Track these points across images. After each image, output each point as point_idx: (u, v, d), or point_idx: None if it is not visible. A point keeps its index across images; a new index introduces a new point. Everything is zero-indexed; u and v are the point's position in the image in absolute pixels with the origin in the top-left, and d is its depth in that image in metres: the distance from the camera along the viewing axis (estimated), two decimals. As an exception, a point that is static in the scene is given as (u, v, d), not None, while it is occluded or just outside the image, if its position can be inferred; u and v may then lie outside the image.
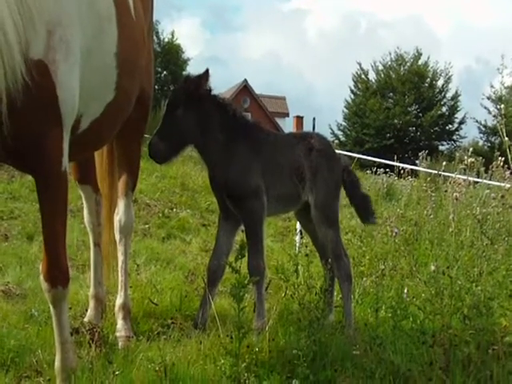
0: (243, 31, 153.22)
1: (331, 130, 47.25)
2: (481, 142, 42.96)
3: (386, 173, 16.20)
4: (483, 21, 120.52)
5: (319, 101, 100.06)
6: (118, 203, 4.96)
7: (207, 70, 4.68)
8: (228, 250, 4.88)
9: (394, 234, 7.33)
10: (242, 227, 4.87)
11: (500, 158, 8.48)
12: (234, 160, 4.75)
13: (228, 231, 4.91)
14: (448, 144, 45.90)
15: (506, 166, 8.90)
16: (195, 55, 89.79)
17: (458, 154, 11.51)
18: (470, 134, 52.76)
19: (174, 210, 11.32)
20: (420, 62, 46.28)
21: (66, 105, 3.37)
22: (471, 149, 9.56)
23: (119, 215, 4.94)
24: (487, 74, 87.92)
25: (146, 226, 9.72)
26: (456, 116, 45.88)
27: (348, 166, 5.36)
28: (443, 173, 10.17)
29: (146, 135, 5.28)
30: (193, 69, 45.83)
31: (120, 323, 4.78)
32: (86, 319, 4.94)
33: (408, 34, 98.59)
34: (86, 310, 5.08)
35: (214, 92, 4.83)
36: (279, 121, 51.08)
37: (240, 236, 5.00)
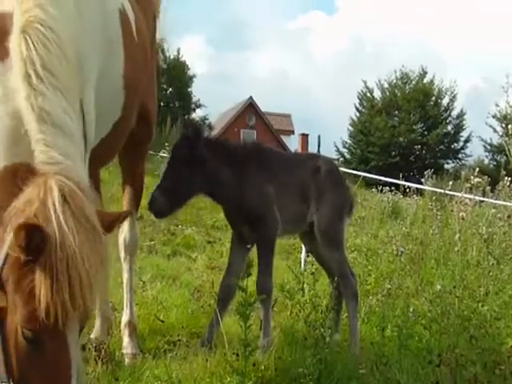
0: (250, 49, 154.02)
1: (336, 147, 47.31)
2: (486, 161, 42.91)
3: (391, 191, 16.18)
4: (491, 40, 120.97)
5: (325, 119, 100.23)
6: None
7: (196, 124, 4.74)
8: (240, 270, 4.83)
9: (399, 252, 7.32)
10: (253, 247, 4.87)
11: (506, 178, 8.49)
12: (247, 187, 4.76)
13: (241, 251, 4.87)
14: (453, 162, 45.87)
15: (513, 185, 8.92)
16: (202, 72, 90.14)
17: (463, 173, 11.52)
18: (476, 152, 52.62)
19: (180, 226, 11.33)
20: (425, 81, 46.41)
21: (89, 125, 3.39)
22: (477, 169, 9.57)
23: (124, 234, 4.95)
24: (494, 93, 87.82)
25: (152, 242, 9.73)
26: (461, 134, 45.90)
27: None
28: (449, 192, 10.18)
29: (151, 152, 5.31)
30: (199, 85, 45.96)
31: (126, 340, 4.79)
32: (92, 336, 4.94)
33: (415, 54, 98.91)
34: (93, 327, 5.09)
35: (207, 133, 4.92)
36: (284, 138, 51.12)
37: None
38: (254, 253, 4.82)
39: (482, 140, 43.54)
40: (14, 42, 2.62)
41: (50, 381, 2.36)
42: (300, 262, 8.39)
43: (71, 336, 2.39)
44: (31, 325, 2.29)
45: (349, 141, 47.54)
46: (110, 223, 2.64)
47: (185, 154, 4.65)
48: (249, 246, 4.80)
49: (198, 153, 4.65)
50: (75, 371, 2.40)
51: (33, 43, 2.61)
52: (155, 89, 5.29)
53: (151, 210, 4.66)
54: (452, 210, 8.81)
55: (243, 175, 4.76)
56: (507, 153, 6.09)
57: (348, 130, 47.92)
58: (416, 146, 43.95)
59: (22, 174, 2.48)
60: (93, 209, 2.52)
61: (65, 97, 2.63)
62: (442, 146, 44.81)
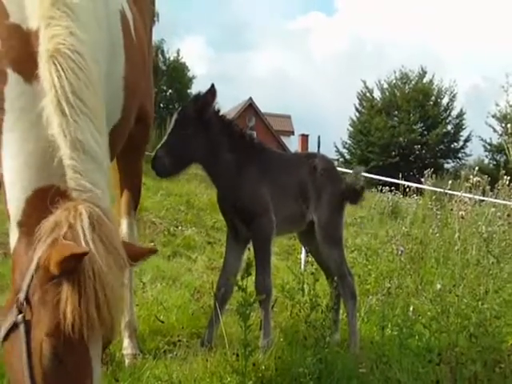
0: (250, 49, 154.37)
1: (336, 148, 47.41)
2: (486, 160, 42.97)
3: (391, 191, 16.19)
4: (491, 39, 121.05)
5: (325, 119, 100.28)
6: (121, 223, 4.97)
7: (212, 85, 4.67)
8: (236, 269, 4.81)
9: (399, 252, 7.34)
10: (249, 245, 4.88)
11: (506, 177, 8.50)
12: (243, 180, 4.74)
13: (236, 250, 4.89)
14: (453, 162, 45.94)
15: (512, 184, 8.92)
16: (202, 73, 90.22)
17: (463, 173, 11.53)
18: (476, 151, 52.64)
19: (180, 227, 11.31)
20: (425, 81, 46.44)
21: None
22: (477, 168, 9.58)
23: (122, 235, 4.93)
24: (494, 92, 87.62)
25: (152, 243, 9.71)
26: (461, 134, 45.96)
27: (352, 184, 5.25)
28: (449, 191, 10.19)
29: (148, 153, 5.31)
30: (199, 87, 46.00)
31: (126, 341, 4.79)
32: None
33: (415, 54, 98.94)
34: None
35: (221, 112, 4.85)
36: (284, 139, 51.16)
37: (247, 254, 5.00)
38: (251, 252, 4.82)
39: (482, 140, 43.62)
40: (44, 68, 2.65)
41: None
42: (300, 263, 8.40)
43: (94, 351, 2.42)
44: (56, 338, 2.32)
45: (349, 141, 47.64)
46: (137, 256, 2.68)
47: (193, 114, 4.63)
48: (247, 245, 4.81)
49: (205, 117, 4.64)
50: None
51: (62, 70, 2.65)
52: (152, 90, 5.29)
53: (154, 169, 4.63)
54: (452, 210, 8.82)
55: (241, 173, 4.75)
56: (506, 152, 6.08)
57: (348, 130, 48.00)
58: (416, 146, 43.99)
59: (51, 196, 2.51)
60: (119, 238, 2.57)
61: (93, 122, 2.69)
62: (441, 146, 44.86)
